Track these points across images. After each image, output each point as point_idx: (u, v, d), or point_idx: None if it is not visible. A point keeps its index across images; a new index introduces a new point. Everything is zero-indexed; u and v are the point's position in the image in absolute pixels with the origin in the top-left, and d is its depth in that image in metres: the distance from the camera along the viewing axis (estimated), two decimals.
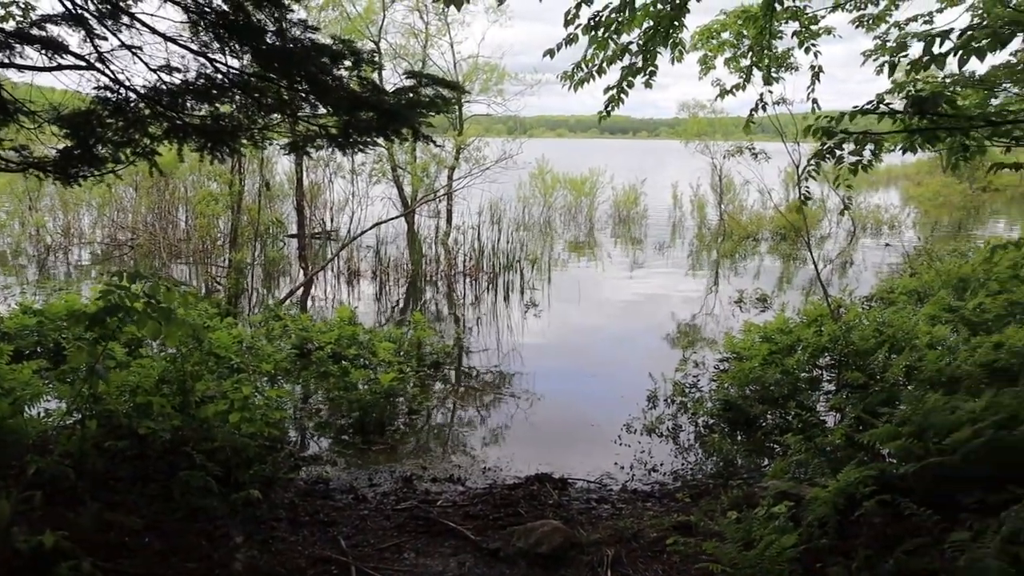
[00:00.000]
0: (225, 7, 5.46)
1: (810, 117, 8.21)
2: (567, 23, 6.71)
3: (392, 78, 24.15)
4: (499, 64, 27.27)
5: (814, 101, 8.72)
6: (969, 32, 5.34)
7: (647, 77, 7.62)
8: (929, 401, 7.10)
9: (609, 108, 7.80)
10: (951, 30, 5.48)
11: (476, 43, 58.99)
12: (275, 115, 7.18)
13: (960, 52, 5.26)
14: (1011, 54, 16.98)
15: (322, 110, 6.60)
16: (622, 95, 7.67)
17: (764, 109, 9.24)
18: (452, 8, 5.26)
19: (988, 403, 6.80)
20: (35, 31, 6.12)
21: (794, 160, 11.95)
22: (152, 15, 6.28)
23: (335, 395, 9.68)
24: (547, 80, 28.07)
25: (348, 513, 6.73)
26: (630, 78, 7.55)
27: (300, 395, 10.29)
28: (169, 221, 23.83)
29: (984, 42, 5.23)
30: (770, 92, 9.03)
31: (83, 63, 6.31)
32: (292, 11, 5.50)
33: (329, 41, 5.78)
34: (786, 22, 9.34)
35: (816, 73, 8.77)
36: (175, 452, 6.50)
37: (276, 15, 5.41)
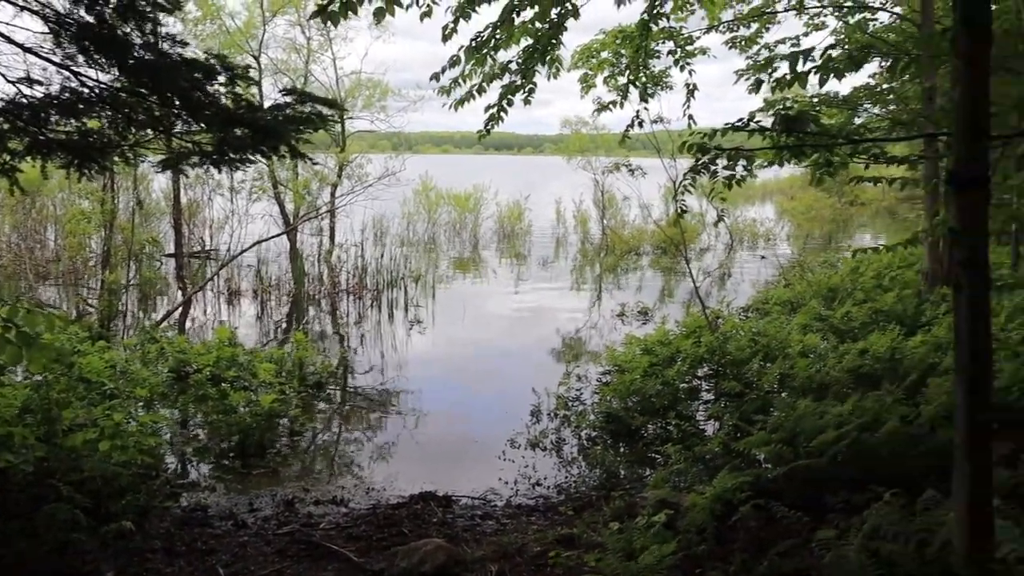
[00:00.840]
0: (89, 19, 5.25)
1: (686, 134, 8.44)
2: (445, 39, 6.72)
3: (273, 93, 23.76)
4: (382, 80, 27.13)
5: (690, 117, 8.98)
6: (829, 53, 5.58)
7: (526, 94, 7.71)
8: (800, 407, 7.37)
9: (489, 126, 7.84)
10: (812, 49, 5.72)
11: (359, 59, 58.61)
12: (147, 131, 6.94)
13: (820, 72, 5.50)
14: (870, 76, 17.86)
15: (196, 127, 6.41)
16: (502, 113, 7.73)
17: (640, 125, 9.45)
18: (332, 24, 5.19)
19: (853, 407, 7.10)
20: None
21: (671, 176, 12.25)
22: (9, 24, 6.00)
23: (214, 419, 9.40)
24: (430, 96, 27.94)
25: (227, 540, 6.53)
26: (509, 96, 7.62)
27: (177, 420, 9.97)
28: (36, 241, 22.77)
29: (842, 63, 5.47)
30: (646, 109, 9.25)
31: None
32: (161, 24, 5.33)
33: (202, 56, 5.63)
34: (662, 42, 9.57)
35: (691, 91, 9.04)
36: (40, 485, 6.18)
37: (143, 28, 5.24)
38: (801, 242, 32.08)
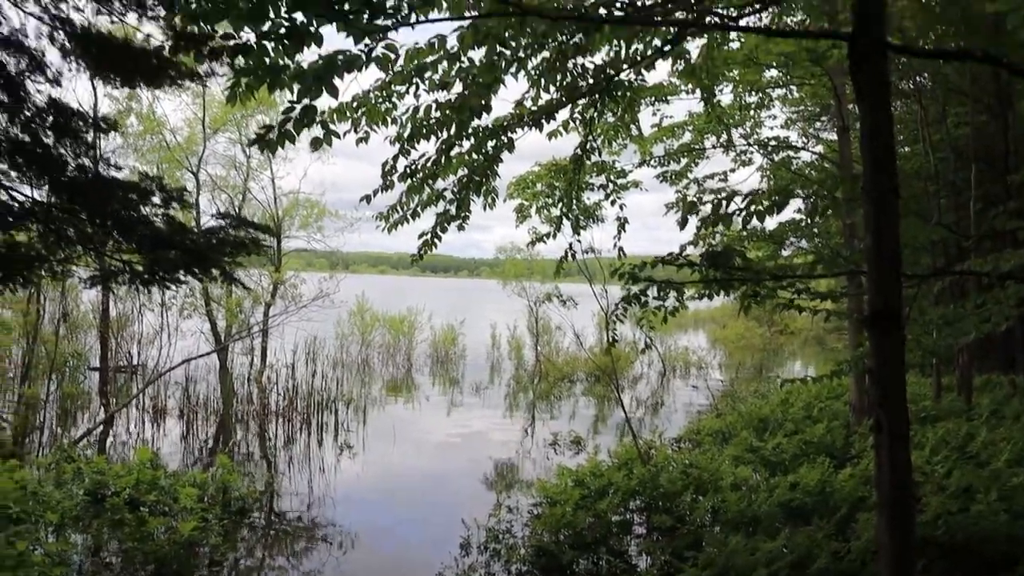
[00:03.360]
0: (24, 136, 5.24)
1: (617, 262, 8.63)
2: (385, 174, 6.83)
3: (211, 209, 23.74)
4: (320, 200, 27.39)
5: (620, 250, 9.17)
6: (752, 196, 5.79)
7: (460, 222, 7.81)
8: (731, 543, 7.33)
9: (422, 252, 7.90)
10: (735, 194, 5.93)
11: (298, 179, 59.02)
12: (77, 248, 6.86)
13: (744, 214, 5.70)
14: (794, 211, 18.54)
15: (127, 246, 6.36)
16: (435, 240, 7.81)
17: (573, 257, 9.63)
18: (270, 152, 5.24)
19: (784, 543, 7.09)
20: None
21: (602, 305, 12.41)
22: None
23: (129, 546, 9.01)
24: (367, 217, 28.27)
25: None
26: (444, 223, 7.71)
27: (90, 547, 9.51)
28: None
29: (764, 206, 5.68)
30: (579, 241, 9.46)
31: None
32: (97, 144, 5.34)
33: (137, 176, 5.63)
34: (595, 175, 9.84)
35: (621, 224, 9.26)
36: None
37: (79, 148, 5.24)
38: (733, 370, 32.51)
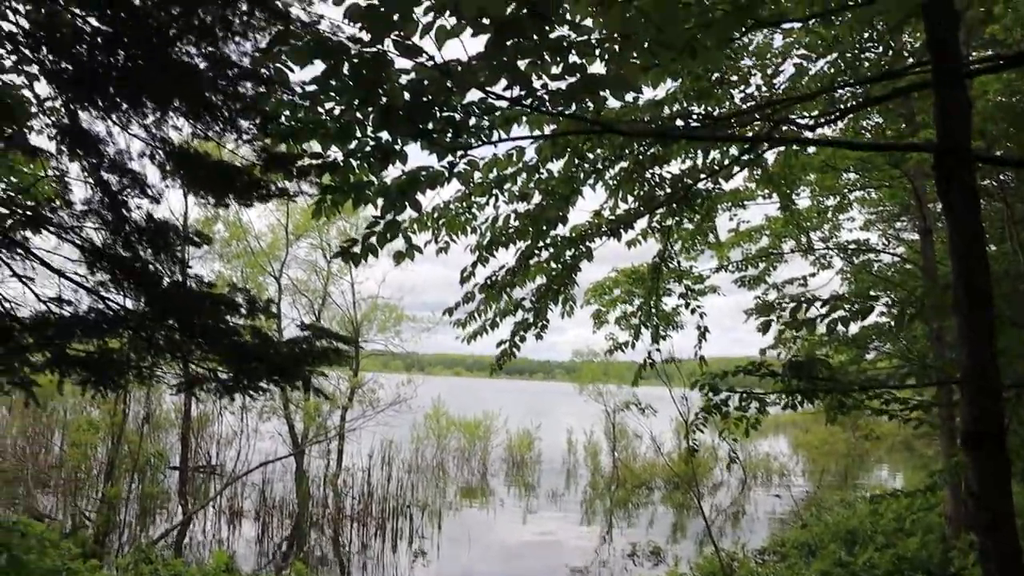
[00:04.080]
0: (123, 253, 5.48)
1: (697, 368, 8.54)
2: (463, 280, 6.92)
3: (291, 312, 24.26)
4: (398, 305, 27.73)
5: (701, 359, 9.05)
6: (833, 302, 5.70)
7: (538, 330, 7.83)
8: None
9: (501, 362, 7.94)
10: (816, 299, 5.85)
11: (377, 283, 59.96)
12: (165, 355, 7.07)
13: (827, 320, 5.61)
14: (878, 313, 18.17)
15: (213, 356, 6.53)
16: (514, 349, 7.83)
17: (652, 366, 9.53)
18: (353, 264, 5.37)
19: None
20: None
21: (681, 411, 12.20)
22: (48, 251, 6.29)
23: None
24: (445, 320, 28.48)
25: None
26: (522, 332, 7.74)
27: None
28: (41, 445, 22.55)
29: (847, 311, 5.59)
30: (658, 351, 9.35)
31: None
32: (190, 267, 5.56)
33: (220, 282, 5.82)
34: (673, 281, 9.80)
35: (702, 333, 9.16)
36: None
37: (171, 262, 5.45)
38: (817, 477, 31.46)
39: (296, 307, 26.15)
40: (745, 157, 7.11)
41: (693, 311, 9.18)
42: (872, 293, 14.33)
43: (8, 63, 6.39)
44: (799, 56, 7.53)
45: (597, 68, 3.79)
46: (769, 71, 7.49)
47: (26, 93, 6.46)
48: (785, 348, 13.44)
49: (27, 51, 6.27)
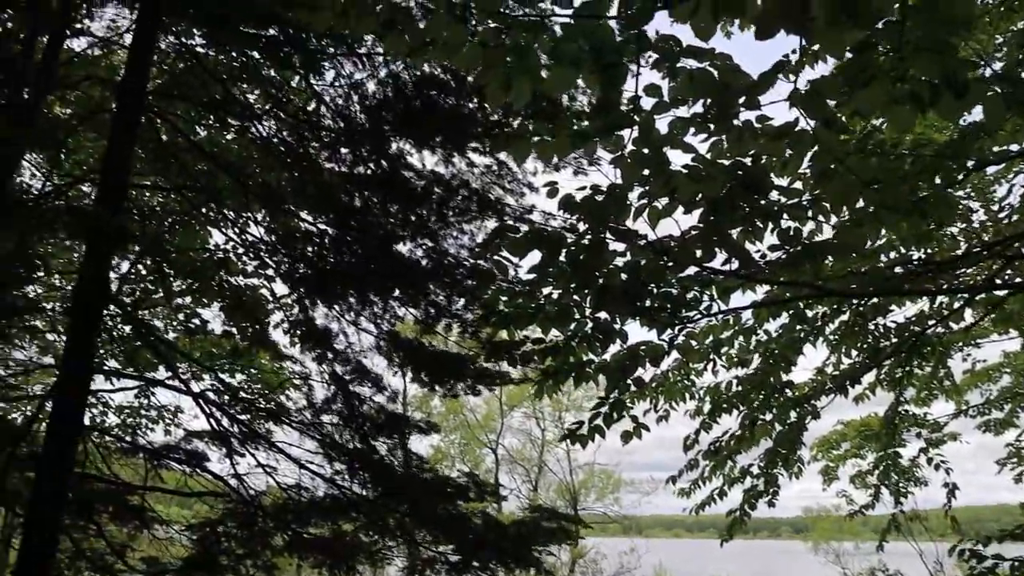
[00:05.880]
0: (359, 445, 5.74)
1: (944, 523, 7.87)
2: (686, 448, 6.78)
3: (509, 483, 24.39)
4: (615, 471, 27.29)
5: (952, 519, 8.32)
6: None
7: (770, 498, 7.48)
8: None
9: (733, 531, 7.62)
10: None
11: (593, 450, 59.56)
12: (396, 539, 7.23)
13: None
14: None
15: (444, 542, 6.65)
16: (744, 517, 7.51)
17: (897, 529, 8.81)
18: (580, 446, 5.36)
19: None
20: (183, 444, 6.59)
21: (930, 569, 11.16)
22: (290, 444, 6.72)
23: None
24: (664, 486, 27.71)
25: None
26: (752, 500, 7.42)
27: None
28: None
29: None
30: (902, 512, 8.61)
31: (220, 481, 6.67)
32: (417, 456, 5.74)
33: (454, 475, 5.95)
34: (908, 430, 9.18)
35: (951, 491, 8.42)
36: None
37: (402, 457, 5.65)
38: None
39: (513, 476, 26.32)
40: (979, 297, 6.69)
41: (937, 467, 8.45)
42: None
43: (250, 268, 7.06)
44: None
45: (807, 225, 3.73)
46: (994, 207, 7.11)
47: (264, 292, 7.09)
48: None
49: (266, 256, 6.89)
